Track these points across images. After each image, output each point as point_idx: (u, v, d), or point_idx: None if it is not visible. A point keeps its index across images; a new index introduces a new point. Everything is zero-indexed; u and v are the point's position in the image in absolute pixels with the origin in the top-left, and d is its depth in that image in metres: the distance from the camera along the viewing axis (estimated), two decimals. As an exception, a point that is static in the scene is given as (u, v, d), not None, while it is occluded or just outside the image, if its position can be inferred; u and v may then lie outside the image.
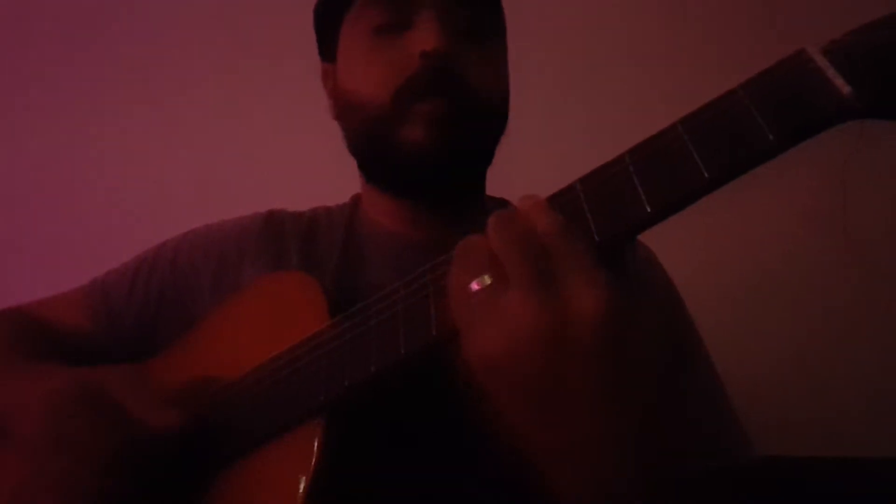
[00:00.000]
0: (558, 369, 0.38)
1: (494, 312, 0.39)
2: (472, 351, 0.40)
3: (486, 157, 0.71)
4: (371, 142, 0.67)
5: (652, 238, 0.75)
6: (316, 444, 0.50)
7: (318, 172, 1.02)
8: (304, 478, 0.49)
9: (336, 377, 0.51)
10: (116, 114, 1.38)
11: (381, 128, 0.65)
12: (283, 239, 0.74)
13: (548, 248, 0.40)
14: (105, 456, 0.51)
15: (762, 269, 1.13)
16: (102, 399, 0.54)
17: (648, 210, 0.40)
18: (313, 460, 0.49)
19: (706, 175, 0.39)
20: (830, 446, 0.98)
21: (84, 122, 1.38)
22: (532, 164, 0.90)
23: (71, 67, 1.40)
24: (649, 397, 0.40)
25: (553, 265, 0.39)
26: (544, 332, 0.37)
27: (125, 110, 1.38)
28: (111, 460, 0.51)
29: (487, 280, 0.40)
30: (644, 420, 0.39)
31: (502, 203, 0.75)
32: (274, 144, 1.31)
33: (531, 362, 0.38)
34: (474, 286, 0.40)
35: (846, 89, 0.35)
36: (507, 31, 0.74)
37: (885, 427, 1.03)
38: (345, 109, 0.71)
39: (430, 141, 0.63)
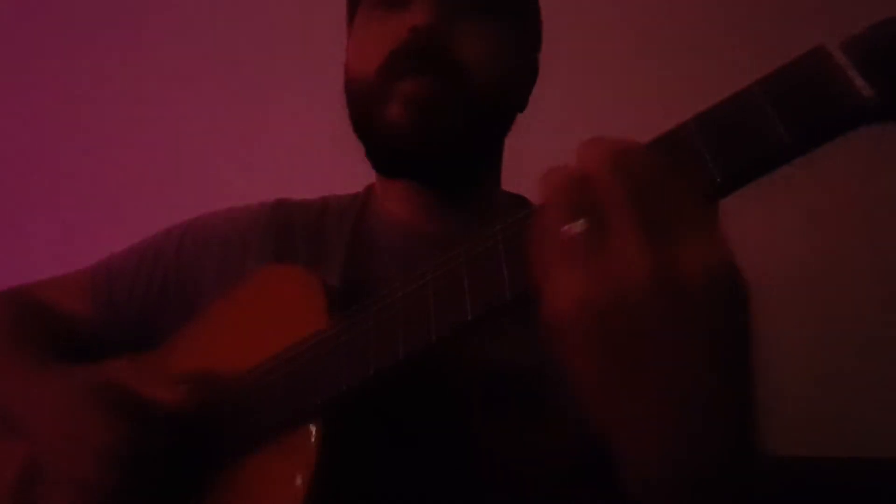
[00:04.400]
0: (661, 325, 0.33)
1: (594, 259, 0.34)
2: (561, 301, 0.35)
3: (479, 138, 0.68)
4: (361, 119, 0.67)
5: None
6: (314, 446, 0.49)
7: (334, 160, 1.01)
8: (302, 480, 0.48)
9: (334, 379, 0.50)
10: (121, 100, 1.37)
11: (368, 104, 0.64)
12: (290, 230, 0.72)
13: (660, 189, 0.35)
14: (114, 446, 0.51)
15: (764, 270, 1.11)
16: (114, 393, 0.54)
17: None
18: (311, 463, 0.49)
19: (718, 179, 0.37)
20: (830, 446, 0.97)
21: (88, 107, 1.37)
22: (548, 161, 0.89)
23: (71, 57, 1.39)
24: (748, 374, 0.36)
25: (666, 212, 0.34)
26: (652, 280, 0.33)
27: (130, 96, 1.36)
28: (120, 450, 0.51)
29: (584, 224, 0.35)
30: (739, 399, 0.36)
31: (518, 199, 0.74)
32: (287, 130, 1.30)
33: (633, 314, 0.33)
34: (570, 230, 0.35)
35: (867, 91, 0.33)
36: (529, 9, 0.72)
37: (885, 427, 1.02)
38: (345, 85, 0.70)
39: (408, 120, 0.61)
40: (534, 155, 0.70)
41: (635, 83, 1.19)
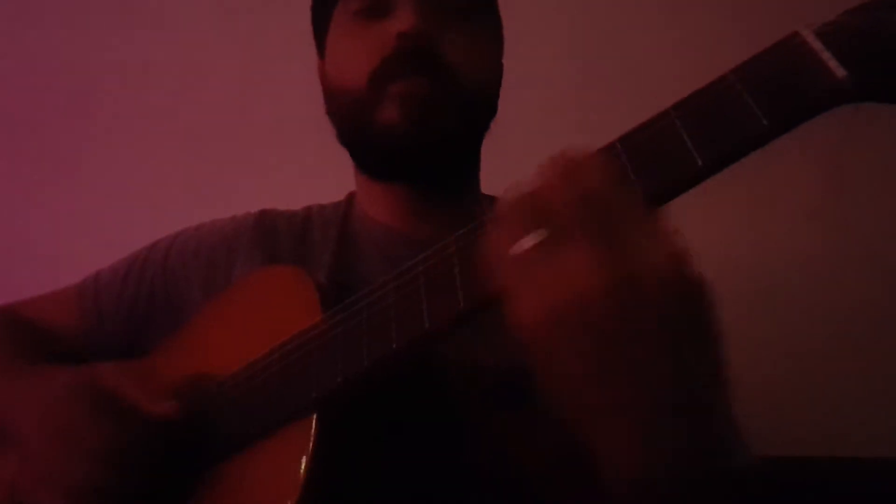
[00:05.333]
0: (623, 323, 0.35)
1: (552, 268, 0.36)
2: (526, 311, 0.36)
3: (469, 139, 0.70)
4: (352, 127, 0.68)
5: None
6: (310, 440, 0.49)
7: (314, 172, 1.02)
8: (298, 474, 0.48)
9: (329, 372, 0.50)
10: (110, 112, 1.38)
11: (360, 112, 0.65)
12: (276, 238, 0.73)
13: (606, 197, 0.37)
14: (102, 447, 0.51)
15: (761, 268, 1.12)
16: (98, 392, 0.54)
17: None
18: (307, 456, 0.49)
19: (699, 162, 0.38)
20: (830, 446, 0.97)
21: (80, 119, 1.37)
22: (528, 162, 0.90)
23: (66, 64, 1.40)
24: (712, 365, 0.37)
25: (613, 215, 0.36)
26: (610, 285, 0.34)
27: (120, 108, 1.37)
28: (108, 451, 0.51)
29: (541, 235, 0.37)
30: (705, 394, 0.37)
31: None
32: (270, 143, 1.31)
33: (595, 317, 0.35)
34: (525, 243, 0.37)
35: (840, 72, 0.34)
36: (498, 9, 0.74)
37: (885, 427, 1.02)
38: (330, 98, 0.71)
39: (405, 120, 0.63)
40: (512, 157, 0.72)
41: (610, 81, 1.20)
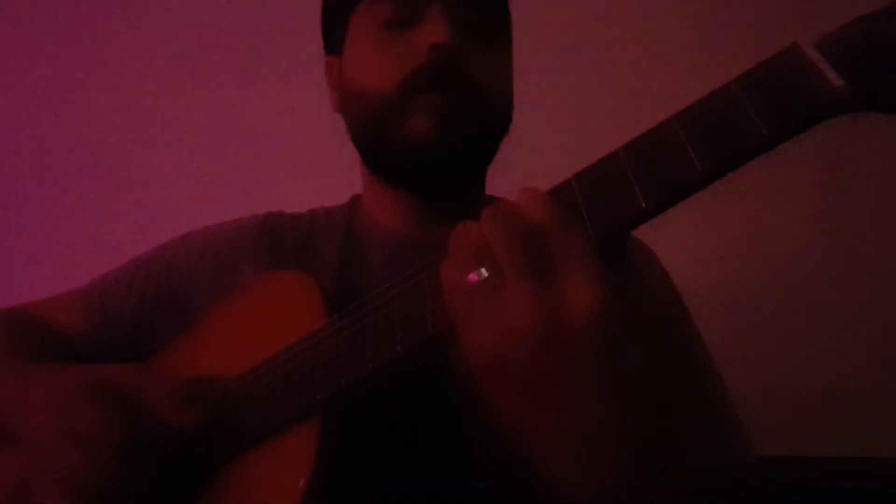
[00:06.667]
0: (553, 362, 0.38)
1: (491, 305, 0.39)
2: (469, 344, 0.40)
3: (488, 155, 0.72)
4: (375, 133, 0.68)
5: (653, 238, 0.75)
6: (314, 442, 0.50)
7: (318, 174, 1.03)
8: (302, 476, 0.49)
9: (333, 376, 0.51)
10: (115, 112, 1.38)
11: (386, 119, 0.66)
12: (281, 241, 0.74)
13: (545, 240, 0.40)
14: (110, 445, 0.51)
15: (762, 269, 1.13)
16: (111, 391, 0.54)
17: (643, 205, 0.40)
18: (312, 459, 0.50)
19: (700, 169, 0.39)
20: (830, 446, 0.98)
21: (83, 120, 1.38)
22: (531, 164, 0.90)
23: (69, 62, 1.40)
24: (644, 394, 0.40)
25: (550, 257, 0.39)
26: (540, 325, 0.37)
27: (124, 109, 1.38)
28: (116, 449, 0.51)
29: (485, 273, 0.40)
30: (638, 416, 0.39)
31: None
32: (274, 145, 1.31)
33: (527, 355, 0.38)
34: (471, 278, 0.40)
35: (838, 82, 0.35)
36: (512, 32, 0.75)
37: (885, 427, 1.02)
38: (350, 101, 0.71)
39: (435, 133, 0.63)
40: (516, 158, 0.72)
41: (616, 88, 1.21)
